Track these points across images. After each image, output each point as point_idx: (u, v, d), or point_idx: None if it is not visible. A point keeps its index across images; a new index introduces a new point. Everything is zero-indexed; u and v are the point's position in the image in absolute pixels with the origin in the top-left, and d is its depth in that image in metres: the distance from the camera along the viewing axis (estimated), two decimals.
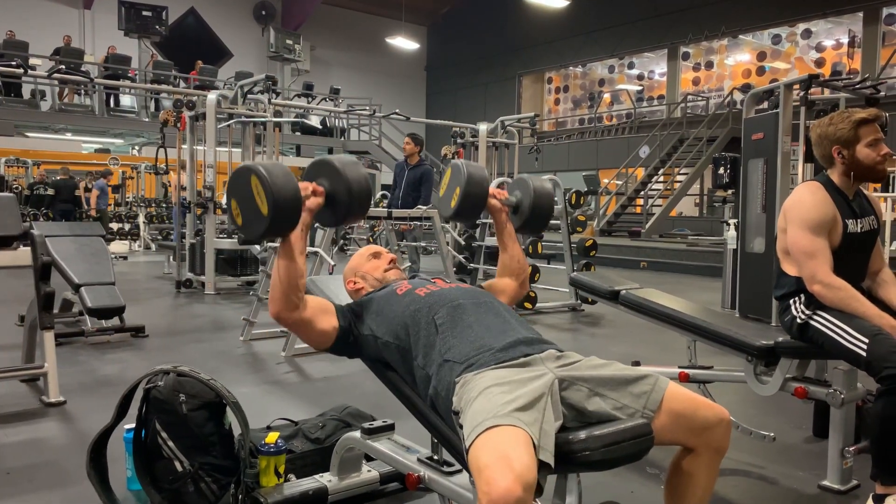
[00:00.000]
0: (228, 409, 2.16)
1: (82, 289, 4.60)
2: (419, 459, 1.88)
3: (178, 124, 7.15)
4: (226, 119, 7.21)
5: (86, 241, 5.05)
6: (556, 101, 21.33)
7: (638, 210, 14.33)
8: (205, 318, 5.77)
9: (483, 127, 8.91)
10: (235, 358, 4.26)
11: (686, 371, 2.87)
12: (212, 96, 6.96)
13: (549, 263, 7.98)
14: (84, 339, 4.63)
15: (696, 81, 17.55)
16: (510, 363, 1.56)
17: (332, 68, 20.96)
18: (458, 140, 9.41)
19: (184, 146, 7.42)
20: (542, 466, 1.33)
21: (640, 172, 14.97)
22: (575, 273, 3.29)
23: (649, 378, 1.59)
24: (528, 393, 1.44)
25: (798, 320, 2.34)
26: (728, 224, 6.78)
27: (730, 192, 8.05)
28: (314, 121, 16.35)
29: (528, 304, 5.88)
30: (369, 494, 2.23)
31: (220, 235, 7.37)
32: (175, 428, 2.07)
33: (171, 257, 8.24)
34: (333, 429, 2.47)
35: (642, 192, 14.31)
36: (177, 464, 2.06)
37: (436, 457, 1.87)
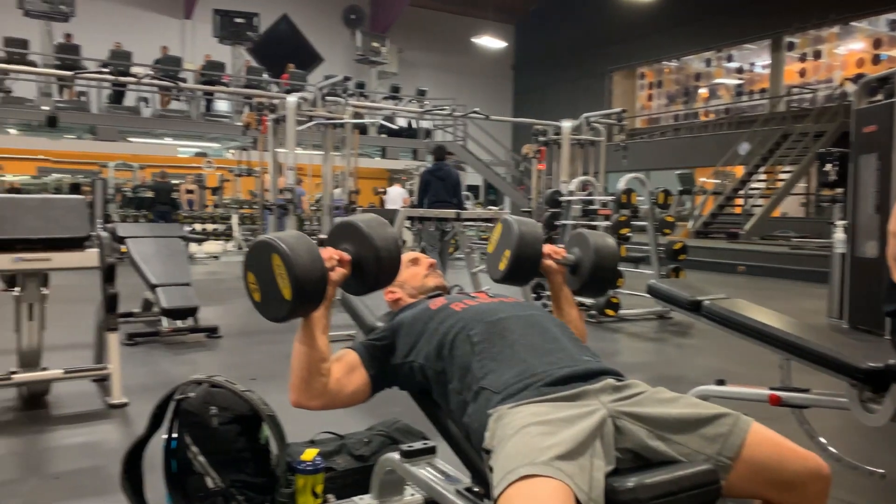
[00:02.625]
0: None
1: (158, 289, 4.70)
2: (458, 491, 1.69)
3: (260, 127, 7.25)
4: (306, 121, 7.25)
5: (165, 243, 5.17)
6: (649, 97, 20.54)
7: (737, 210, 13.52)
8: None
9: (566, 124, 8.60)
10: None
11: (778, 394, 2.54)
12: (291, 99, 7.01)
13: (637, 267, 7.59)
14: (160, 338, 4.71)
15: (802, 73, 16.41)
16: (556, 397, 1.33)
17: (420, 70, 21.02)
18: (540, 138, 9.14)
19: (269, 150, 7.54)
20: None
21: (740, 170, 14.12)
22: (653, 281, 3.00)
23: (727, 418, 1.31)
24: (574, 435, 1.21)
25: None
26: (836, 226, 6.20)
27: (838, 190, 7.39)
28: (400, 123, 16.40)
29: (610, 311, 5.56)
30: None
31: None
32: (206, 442, 1.96)
33: None
34: (379, 445, 2.31)
35: (741, 192, 13.50)
36: (208, 480, 1.95)
37: (476, 489, 1.67)
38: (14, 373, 3.43)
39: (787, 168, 13.24)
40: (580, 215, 6.26)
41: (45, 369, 3.62)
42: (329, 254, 1.51)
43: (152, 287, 4.70)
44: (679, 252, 5.84)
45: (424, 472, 1.85)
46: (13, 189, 15.22)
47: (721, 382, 2.84)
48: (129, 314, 5.40)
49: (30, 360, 3.41)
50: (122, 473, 2.02)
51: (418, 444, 1.93)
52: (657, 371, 4.27)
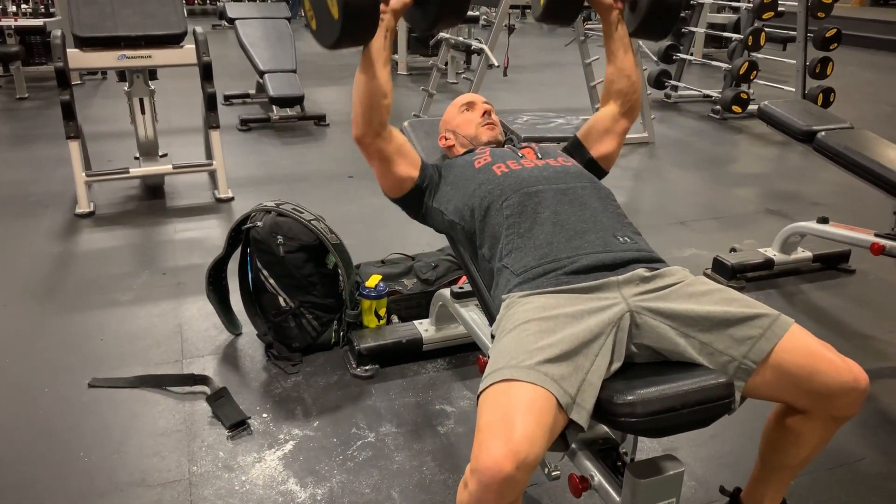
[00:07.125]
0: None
1: (266, 76, 4.77)
2: (492, 335, 1.74)
3: None
4: None
5: (272, 25, 5.13)
6: None
7: None
8: None
9: None
10: None
11: (882, 242, 2.32)
12: None
13: (784, 49, 6.81)
14: (270, 124, 4.87)
15: None
16: (573, 288, 1.26)
17: None
18: None
19: None
20: (573, 425, 1.12)
21: None
22: (766, 103, 2.65)
23: (762, 319, 1.19)
24: (575, 334, 1.15)
25: None
26: None
27: None
28: None
29: (736, 108, 5.07)
30: (467, 346, 2.16)
31: None
32: (275, 268, 2.10)
33: None
34: (445, 271, 2.38)
35: None
36: (280, 299, 2.12)
37: None
38: (136, 158, 3.75)
39: None
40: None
41: (164, 155, 3.92)
42: None
43: (261, 73, 4.78)
44: (830, 41, 5.07)
45: (470, 314, 1.91)
46: None
47: (824, 220, 2.62)
48: (246, 95, 5.59)
49: (147, 149, 3.68)
50: (206, 286, 2.23)
51: (469, 287, 1.97)
52: (770, 185, 3.96)
